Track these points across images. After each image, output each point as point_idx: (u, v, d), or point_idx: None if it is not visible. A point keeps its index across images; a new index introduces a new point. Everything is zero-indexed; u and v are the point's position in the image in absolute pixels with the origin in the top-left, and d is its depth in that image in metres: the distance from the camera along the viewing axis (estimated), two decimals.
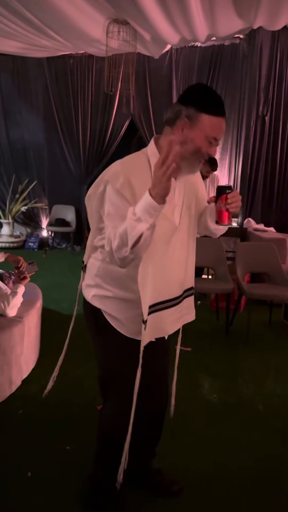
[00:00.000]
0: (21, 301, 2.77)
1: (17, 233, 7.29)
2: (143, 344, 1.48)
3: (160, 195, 1.26)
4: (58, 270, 5.76)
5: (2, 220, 7.03)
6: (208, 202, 1.58)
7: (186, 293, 1.66)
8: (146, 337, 1.48)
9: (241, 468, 2.10)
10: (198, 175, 1.68)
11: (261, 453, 2.22)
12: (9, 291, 2.80)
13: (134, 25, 4.55)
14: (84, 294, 1.64)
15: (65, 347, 1.81)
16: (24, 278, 2.90)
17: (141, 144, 7.41)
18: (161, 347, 1.64)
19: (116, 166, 1.46)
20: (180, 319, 1.65)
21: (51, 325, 3.60)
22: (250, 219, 5.59)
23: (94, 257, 1.61)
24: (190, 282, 1.68)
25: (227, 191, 1.42)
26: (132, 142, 8.41)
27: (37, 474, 1.99)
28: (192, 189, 1.61)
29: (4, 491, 1.90)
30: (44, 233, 7.14)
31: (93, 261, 1.61)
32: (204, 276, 4.63)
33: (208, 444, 2.27)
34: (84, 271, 1.68)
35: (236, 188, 6.11)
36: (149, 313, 1.47)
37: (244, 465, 2.12)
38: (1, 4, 3.84)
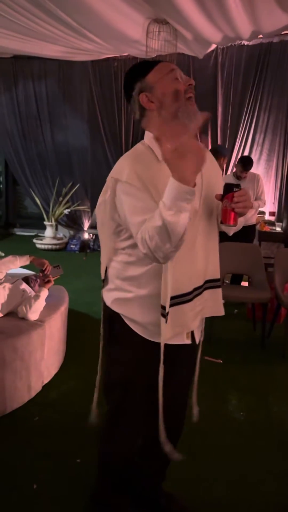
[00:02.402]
0: (44, 305, 2.74)
1: (60, 235, 7.39)
2: (164, 340, 1.35)
3: (196, 172, 1.13)
4: (96, 273, 5.71)
5: (46, 223, 7.15)
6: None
7: (208, 284, 1.49)
8: (167, 332, 1.35)
9: (269, 501, 1.90)
10: (211, 159, 1.48)
11: None
12: (33, 294, 2.77)
13: (174, 25, 4.43)
14: (105, 300, 1.54)
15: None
16: (48, 281, 2.87)
17: None
18: (182, 356, 1.51)
19: (116, 165, 1.38)
20: (200, 312, 1.49)
21: (80, 329, 3.56)
22: None
23: (115, 260, 1.50)
24: (214, 273, 1.51)
25: (235, 189, 1.29)
26: None
27: (42, 487, 1.92)
28: (209, 169, 1.41)
29: (5, 502, 1.83)
30: (86, 236, 7.18)
31: (113, 265, 1.50)
32: (243, 283, 4.40)
33: (231, 469, 2.09)
34: (103, 285, 1.57)
35: (284, 191, 5.81)
36: (170, 306, 1.35)
37: (272, 497, 1.92)
38: (39, 9, 3.86)
